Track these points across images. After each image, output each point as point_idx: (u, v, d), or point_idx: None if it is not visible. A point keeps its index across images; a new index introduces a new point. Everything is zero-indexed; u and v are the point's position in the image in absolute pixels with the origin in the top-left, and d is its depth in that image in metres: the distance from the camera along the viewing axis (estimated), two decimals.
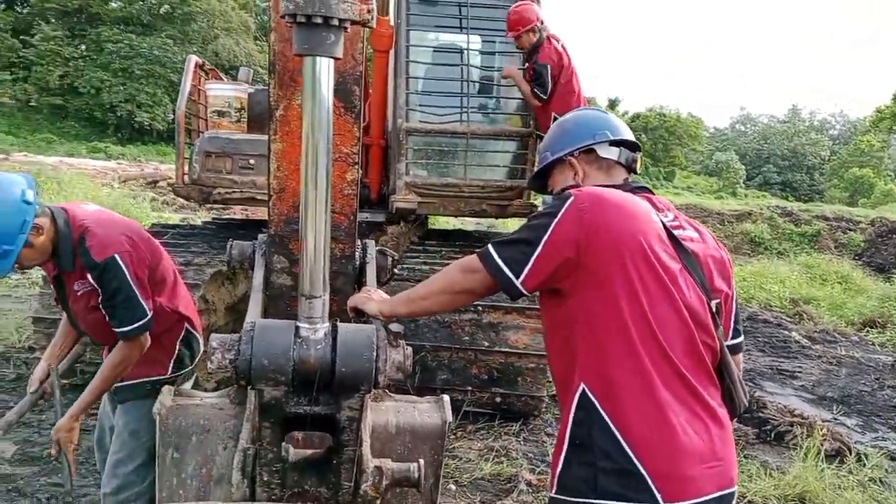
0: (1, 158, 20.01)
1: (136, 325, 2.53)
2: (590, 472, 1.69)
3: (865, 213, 21.86)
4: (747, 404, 1.91)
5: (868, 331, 9.91)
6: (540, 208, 5.60)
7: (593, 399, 1.71)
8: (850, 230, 19.27)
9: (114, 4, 40.37)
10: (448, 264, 5.36)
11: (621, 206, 1.77)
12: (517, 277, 1.77)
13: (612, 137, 2.03)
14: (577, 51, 5.80)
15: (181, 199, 9.19)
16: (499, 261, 1.79)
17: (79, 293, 2.58)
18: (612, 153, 2.03)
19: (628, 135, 2.06)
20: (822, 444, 5.00)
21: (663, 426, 1.67)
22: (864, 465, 4.93)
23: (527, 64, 5.64)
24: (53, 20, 38.84)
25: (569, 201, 1.77)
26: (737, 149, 60.22)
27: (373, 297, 2.15)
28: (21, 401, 2.81)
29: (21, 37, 37.46)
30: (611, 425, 1.68)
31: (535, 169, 2.18)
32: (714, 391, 1.80)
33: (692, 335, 1.74)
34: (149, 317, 2.56)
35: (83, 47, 39.10)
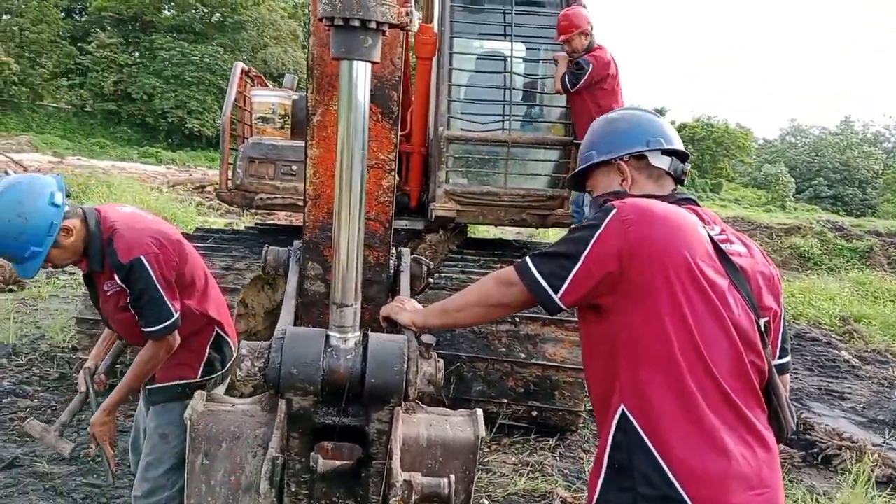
0: (56, 162, 20.64)
1: (161, 326, 2.55)
2: (629, 498, 1.62)
3: None
4: (794, 428, 1.81)
5: None
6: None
7: (633, 421, 1.64)
8: None
9: (167, 13, 41.53)
10: (486, 274, 5.30)
11: (667, 220, 1.69)
12: (556, 292, 1.70)
13: (665, 146, 1.93)
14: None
15: (226, 204, 9.34)
16: (537, 275, 1.72)
17: (108, 293, 2.61)
18: (663, 162, 1.93)
19: (679, 144, 1.96)
20: (872, 470, 4.79)
21: (708, 451, 1.58)
22: None
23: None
24: (109, 28, 40.08)
25: (612, 213, 1.69)
26: (786, 161, 58.85)
27: (405, 308, 2.10)
28: (72, 401, 2.85)
29: (78, 44, 38.72)
30: (652, 449, 1.60)
31: (578, 166, 2.05)
32: (761, 413, 1.71)
33: (740, 355, 1.65)
34: (174, 318, 2.58)
35: (137, 54, 40.29)
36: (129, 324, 2.62)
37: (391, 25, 1.63)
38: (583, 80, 5.37)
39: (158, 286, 2.51)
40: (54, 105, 40.04)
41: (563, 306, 1.72)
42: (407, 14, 1.67)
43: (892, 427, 6.28)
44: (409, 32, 1.84)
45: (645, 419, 1.62)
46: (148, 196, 14.76)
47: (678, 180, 1.96)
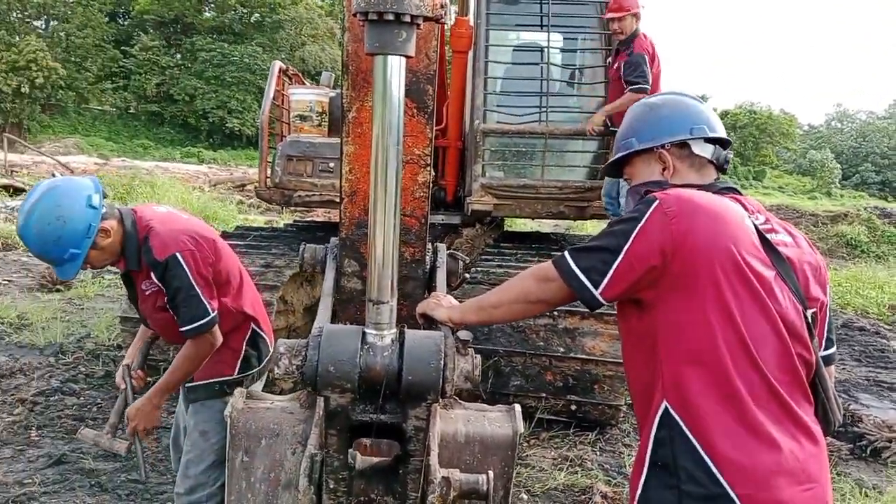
0: (101, 164, 21.16)
1: (198, 324, 2.55)
2: (674, 496, 1.58)
3: None
4: (842, 420, 1.76)
5: None
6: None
7: (677, 417, 1.60)
8: None
9: (207, 14, 42.17)
10: (524, 267, 5.25)
11: (712, 211, 1.63)
12: (596, 288, 1.65)
13: (709, 134, 1.84)
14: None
15: (264, 202, 9.44)
16: (576, 269, 1.67)
17: (147, 292, 2.63)
18: (706, 150, 1.85)
19: (722, 131, 1.89)
20: None
21: (754, 446, 1.54)
22: None
23: (615, 58, 5.43)
24: (151, 30, 40.90)
25: (654, 205, 1.63)
26: (832, 147, 57.34)
27: (442, 304, 2.07)
28: (116, 402, 2.90)
29: (122, 47, 39.59)
30: (697, 446, 1.56)
31: (616, 154, 1.97)
32: (808, 407, 1.67)
33: (787, 348, 1.61)
34: (211, 315, 2.58)
35: (178, 56, 41.05)
36: (169, 323, 2.64)
37: (425, 18, 1.62)
38: (650, 72, 5.18)
39: (195, 284, 2.52)
40: (99, 108, 41.04)
41: (603, 301, 1.68)
42: (441, 6, 1.66)
43: None
44: (444, 25, 1.82)
45: (689, 415, 1.58)
46: (190, 195, 15.02)
47: (720, 168, 1.89)
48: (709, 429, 1.56)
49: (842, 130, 64.90)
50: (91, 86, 38.89)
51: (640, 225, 1.62)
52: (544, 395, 4.76)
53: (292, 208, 8.25)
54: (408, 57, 1.68)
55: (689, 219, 1.60)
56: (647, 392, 1.70)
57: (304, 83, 7.55)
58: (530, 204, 5.54)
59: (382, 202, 1.72)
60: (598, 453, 4.72)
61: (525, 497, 4.04)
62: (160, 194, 13.58)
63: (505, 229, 7.22)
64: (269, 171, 6.04)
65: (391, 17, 1.57)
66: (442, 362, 1.78)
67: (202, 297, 2.55)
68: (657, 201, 1.64)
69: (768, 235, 1.69)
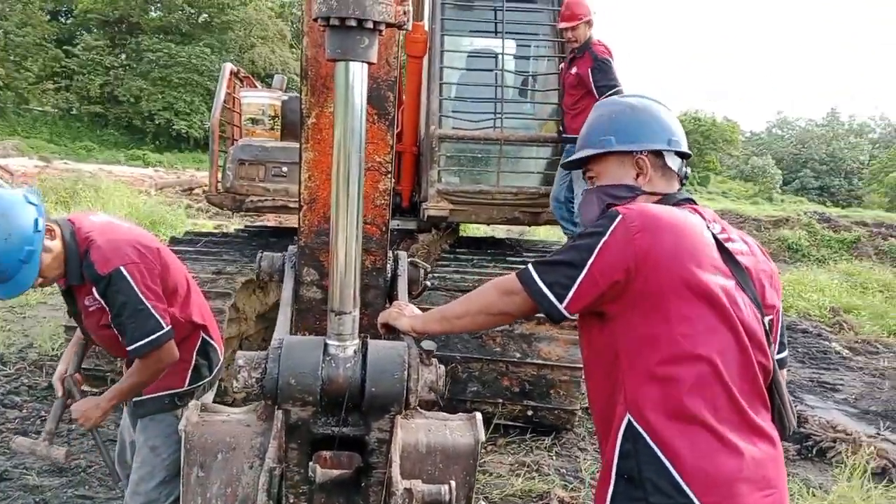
0: (42, 166, 20.44)
1: (148, 339, 2.43)
2: None
3: None
4: (796, 426, 1.79)
5: None
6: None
7: (640, 430, 1.60)
8: (891, 236, 18.73)
9: (153, 14, 41.21)
10: (480, 273, 5.23)
11: (674, 226, 1.65)
12: (561, 302, 1.65)
13: (682, 148, 1.87)
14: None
15: (214, 207, 9.25)
16: (541, 284, 1.68)
17: (90, 308, 2.52)
18: (675, 163, 1.87)
19: (686, 146, 1.92)
20: (867, 462, 4.79)
21: (717, 455, 1.56)
22: None
23: (569, 65, 5.44)
24: (95, 30, 39.79)
25: (617, 220, 1.64)
26: (773, 153, 59.12)
27: (404, 313, 2.04)
28: (53, 408, 2.79)
29: (64, 47, 38.39)
30: (662, 458, 1.57)
31: (588, 149, 1.92)
32: (765, 412, 1.70)
33: (749, 357, 1.63)
34: (165, 329, 2.46)
35: (123, 56, 39.98)
36: (114, 340, 2.53)
37: (388, 25, 1.59)
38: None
39: (143, 297, 2.40)
40: (40, 109, 39.69)
41: (567, 315, 1.68)
42: (404, 13, 1.64)
43: (885, 418, 6.31)
44: (405, 31, 1.80)
45: (652, 428, 1.59)
46: (136, 199, 14.63)
47: (681, 182, 1.92)
48: (672, 440, 1.57)
49: (782, 137, 66.98)
50: (31, 86, 37.59)
51: (603, 240, 1.63)
52: (501, 400, 4.78)
53: (242, 213, 8.12)
54: (370, 63, 1.65)
55: (652, 234, 1.62)
56: (608, 404, 1.70)
57: (255, 86, 7.42)
58: (486, 210, 5.55)
59: (344, 210, 1.69)
60: (554, 458, 4.75)
61: None
62: (105, 198, 13.18)
63: (460, 235, 7.22)
64: (219, 176, 5.92)
65: (353, 23, 1.55)
66: (406, 373, 1.75)
67: (152, 311, 2.43)
68: (620, 216, 1.65)
69: (727, 244, 1.71)
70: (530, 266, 1.73)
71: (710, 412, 1.57)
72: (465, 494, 2.42)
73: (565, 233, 5.67)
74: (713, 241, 1.68)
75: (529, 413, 4.87)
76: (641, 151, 1.84)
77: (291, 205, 5.73)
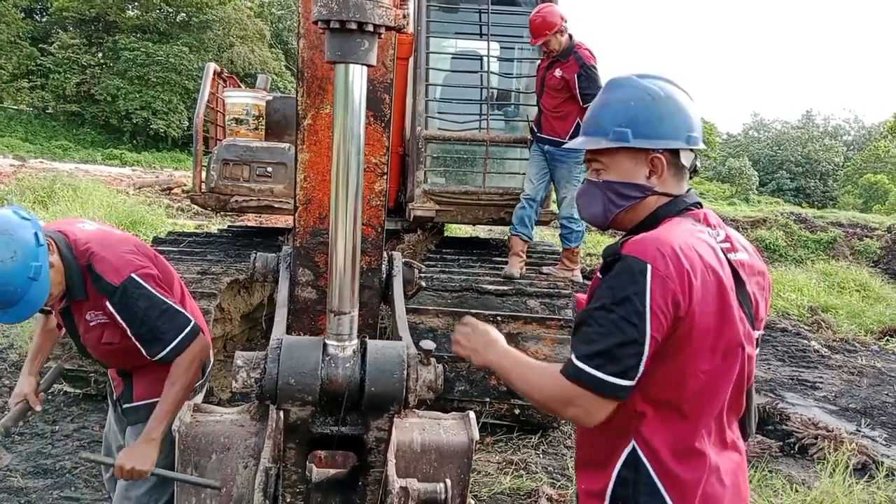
0: (18, 165, 20.16)
1: (185, 334, 2.38)
2: None
3: (881, 220, 21.59)
4: (754, 430, 1.81)
5: (888, 340, 9.73)
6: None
7: (644, 460, 1.59)
8: (866, 237, 19.03)
9: (131, 13, 40.77)
10: (467, 273, 5.21)
11: (697, 264, 1.54)
12: (633, 381, 1.51)
13: (700, 145, 1.71)
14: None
15: (196, 206, 9.18)
16: (613, 380, 1.50)
17: (91, 324, 2.44)
18: (688, 159, 1.71)
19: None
20: (849, 459, 4.88)
21: (709, 481, 1.59)
22: (894, 480, 4.80)
23: (550, 66, 5.37)
24: (71, 28, 39.27)
25: (649, 272, 1.49)
26: (749, 155, 59.78)
27: (498, 344, 1.83)
28: (15, 410, 2.71)
29: (40, 45, 37.86)
30: (660, 488, 1.57)
31: (598, 138, 1.72)
32: (736, 422, 1.72)
33: (742, 380, 1.64)
34: (193, 321, 2.41)
35: (100, 55, 39.53)
36: (117, 353, 2.48)
37: (388, 28, 1.61)
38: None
39: (163, 297, 2.36)
40: (15, 107, 39.13)
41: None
42: (404, 16, 1.65)
43: (864, 415, 6.42)
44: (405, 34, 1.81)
45: (657, 460, 1.58)
46: (115, 199, 14.45)
47: (690, 175, 1.77)
48: (675, 472, 1.57)
49: (758, 139, 67.68)
50: (6, 84, 37.06)
51: (648, 302, 1.48)
52: (488, 399, 4.80)
53: (223, 213, 8.08)
54: (369, 66, 1.66)
55: (683, 280, 1.51)
56: (610, 430, 1.63)
57: (239, 86, 7.40)
58: (472, 210, 5.58)
59: (343, 211, 1.70)
60: (541, 456, 4.79)
61: (472, 503, 4.06)
62: (83, 198, 13.00)
63: (445, 235, 7.24)
64: (203, 176, 5.89)
65: (354, 26, 1.56)
66: (405, 373, 1.77)
67: (177, 308, 2.39)
68: (650, 266, 1.49)
69: (730, 255, 1.64)
70: (582, 364, 1.53)
71: (707, 443, 1.60)
72: (460, 492, 2.44)
73: (516, 234, 5.41)
74: (724, 258, 1.62)
75: (516, 412, 4.90)
76: (658, 150, 1.67)
77: (276, 205, 5.72)
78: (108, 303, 2.34)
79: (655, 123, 1.66)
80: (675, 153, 1.69)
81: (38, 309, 2.23)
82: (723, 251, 1.63)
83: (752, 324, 1.65)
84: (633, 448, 1.60)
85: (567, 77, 5.24)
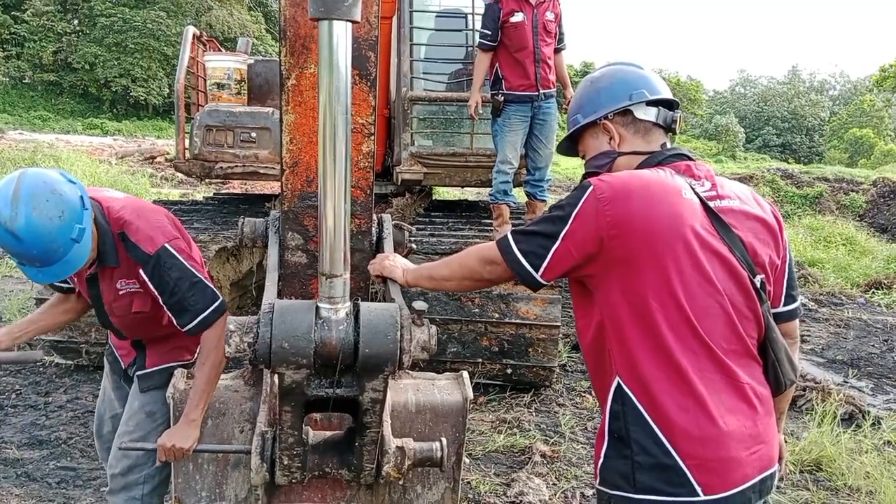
0: None
1: (213, 308, 2.36)
2: (627, 467, 1.64)
3: (866, 174, 21.73)
4: (794, 378, 1.79)
5: (874, 292, 9.87)
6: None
7: (629, 392, 1.65)
8: (851, 191, 19.15)
9: None
10: (457, 237, 5.21)
11: (646, 192, 1.65)
12: (536, 271, 1.72)
13: (649, 97, 1.84)
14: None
15: (180, 174, 9.05)
16: (518, 253, 1.74)
17: (121, 292, 2.43)
18: (649, 114, 1.84)
19: (666, 92, 1.89)
20: (836, 409, 4.97)
21: (702, 416, 1.60)
22: (880, 428, 4.90)
23: (548, 13, 5.09)
24: None
25: (588, 191, 1.67)
26: (736, 111, 59.74)
27: (396, 264, 2.16)
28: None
29: (12, 13, 36.91)
30: (648, 418, 1.62)
31: (567, 135, 2.00)
32: (757, 369, 1.71)
33: (731, 319, 1.65)
34: (221, 298, 2.40)
35: (76, 22, 38.61)
36: (141, 323, 2.48)
37: None
38: (490, 26, 4.94)
39: (193, 269, 2.35)
40: None
41: (543, 283, 1.74)
42: None
43: (851, 367, 6.53)
44: None
45: (640, 390, 1.64)
46: (97, 169, 14.30)
47: (669, 129, 1.88)
48: (659, 402, 1.61)
49: (745, 96, 67.61)
50: None
51: (575, 211, 1.66)
52: (481, 360, 4.84)
53: (207, 181, 8.01)
54: (354, 22, 1.62)
55: (623, 203, 1.62)
56: (600, 366, 1.75)
57: (220, 49, 7.25)
58: (460, 172, 5.55)
59: (332, 173, 1.66)
60: (534, 414, 4.84)
61: (467, 461, 4.11)
62: (66, 168, 12.82)
63: (433, 198, 7.21)
64: (186, 143, 5.81)
65: None
66: (399, 334, 1.76)
67: (206, 282, 2.38)
68: (591, 187, 1.67)
69: (712, 203, 1.69)
70: (509, 234, 1.79)
71: (693, 374, 1.60)
72: (455, 451, 2.47)
73: (503, 202, 5.35)
74: (697, 200, 1.67)
75: (509, 371, 4.94)
76: (605, 116, 1.87)
77: (262, 170, 5.66)
78: (141, 270, 2.33)
79: (594, 99, 1.91)
80: (626, 114, 1.86)
81: (76, 270, 2.22)
82: (702, 197, 1.70)
83: (752, 269, 1.68)
84: (619, 382, 1.68)
85: (557, 14, 5.12)
